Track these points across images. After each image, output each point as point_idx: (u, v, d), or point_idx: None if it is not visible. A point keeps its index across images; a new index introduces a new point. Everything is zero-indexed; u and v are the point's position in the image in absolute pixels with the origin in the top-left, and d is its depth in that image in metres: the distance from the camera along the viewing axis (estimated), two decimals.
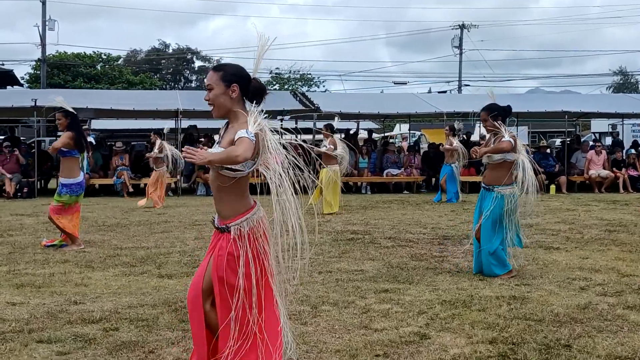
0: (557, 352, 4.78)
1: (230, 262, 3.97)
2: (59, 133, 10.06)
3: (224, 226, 4.03)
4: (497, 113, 7.64)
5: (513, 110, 7.83)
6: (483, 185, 7.73)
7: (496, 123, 7.58)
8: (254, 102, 4.10)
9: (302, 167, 4.11)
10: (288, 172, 4.04)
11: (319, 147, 14.16)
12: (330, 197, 14.01)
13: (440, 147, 18.82)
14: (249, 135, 3.85)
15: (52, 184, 22.84)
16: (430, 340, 5.08)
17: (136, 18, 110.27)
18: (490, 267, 7.42)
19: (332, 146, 14.14)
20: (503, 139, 7.49)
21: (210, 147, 4.23)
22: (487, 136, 8.06)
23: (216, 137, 23.38)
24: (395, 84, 53.21)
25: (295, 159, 4.08)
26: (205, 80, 4.16)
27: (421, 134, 35.06)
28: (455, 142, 17.32)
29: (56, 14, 74.15)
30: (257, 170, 4.15)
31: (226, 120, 4.17)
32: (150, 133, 17.69)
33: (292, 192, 4.05)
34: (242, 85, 4.05)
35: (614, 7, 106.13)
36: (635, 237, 10.45)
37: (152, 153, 16.65)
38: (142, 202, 16.13)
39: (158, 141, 16.52)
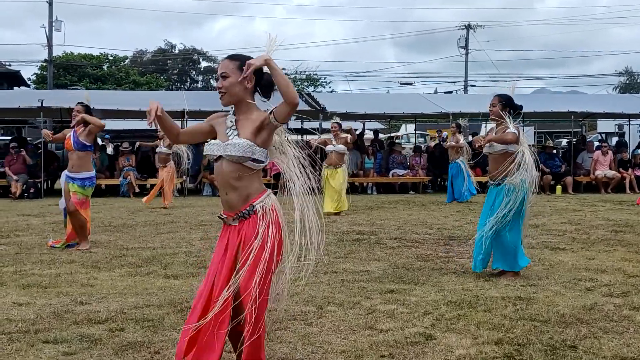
0: (563, 353, 4.77)
1: (264, 241, 4.02)
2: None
3: (248, 208, 4.06)
4: (508, 104, 7.61)
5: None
6: (491, 182, 7.65)
7: (502, 113, 7.57)
8: (264, 96, 4.17)
9: (312, 166, 4.20)
10: (302, 171, 4.15)
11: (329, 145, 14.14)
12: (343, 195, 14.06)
13: (446, 144, 18.80)
14: None
15: (58, 184, 22.88)
16: (436, 341, 5.08)
17: (140, 18, 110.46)
18: (506, 259, 7.41)
19: (342, 145, 14.16)
20: (508, 130, 7.47)
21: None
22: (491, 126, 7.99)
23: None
24: (401, 84, 53.18)
25: (307, 158, 4.17)
26: (219, 68, 4.16)
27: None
28: (462, 140, 17.32)
29: (60, 14, 74.19)
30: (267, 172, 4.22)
31: (223, 113, 4.24)
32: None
33: (307, 190, 4.15)
34: (257, 77, 4.10)
35: (620, 7, 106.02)
36: None
37: (163, 149, 16.54)
38: (166, 201, 16.04)
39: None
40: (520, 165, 7.42)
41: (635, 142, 26.61)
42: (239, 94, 4.08)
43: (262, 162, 4.07)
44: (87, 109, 9.69)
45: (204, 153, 4.19)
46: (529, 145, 7.88)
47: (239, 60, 4.10)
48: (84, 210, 9.55)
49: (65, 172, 9.71)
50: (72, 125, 9.75)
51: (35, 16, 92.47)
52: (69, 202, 9.49)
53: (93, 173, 9.73)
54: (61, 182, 9.87)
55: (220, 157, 4.10)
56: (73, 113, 9.71)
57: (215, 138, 4.19)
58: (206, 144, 4.19)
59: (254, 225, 4.04)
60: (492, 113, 7.67)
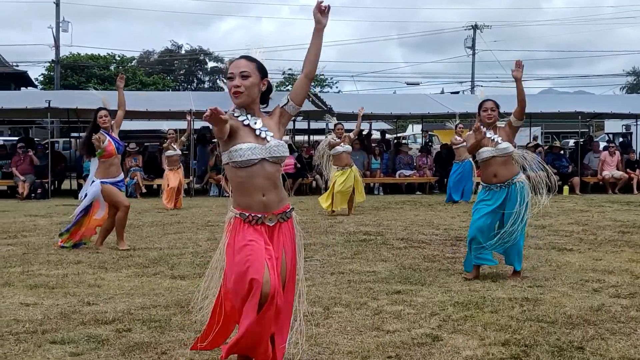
0: (570, 355, 4.76)
1: (293, 243, 4.19)
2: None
3: (288, 210, 4.14)
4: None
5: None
6: (499, 184, 7.41)
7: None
8: (262, 101, 4.23)
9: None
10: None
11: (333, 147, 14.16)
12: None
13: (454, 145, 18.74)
14: None
15: (65, 184, 22.95)
16: (443, 342, 5.07)
17: (147, 19, 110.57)
18: (519, 259, 7.46)
19: (349, 146, 14.18)
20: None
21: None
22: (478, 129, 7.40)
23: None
24: (407, 84, 53.16)
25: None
26: (235, 66, 4.10)
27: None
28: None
29: (67, 15, 74.12)
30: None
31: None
32: (170, 130, 17.54)
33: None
34: (267, 82, 4.17)
35: (628, 7, 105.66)
36: None
37: (178, 151, 16.49)
38: (171, 205, 15.90)
39: (182, 138, 16.66)
40: (524, 164, 7.49)
41: None
42: (254, 95, 4.11)
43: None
44: (111, 114, 9.76)
45: (241, 159, 3.97)
46: (523, 147, 7.93)
47: (256, 62, 4.12)
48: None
49: (106, 180, 9.45)
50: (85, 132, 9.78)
51: (42, 17, 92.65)
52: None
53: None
54: (93, 190, 9.49)
55: (259, 160, 4.02)
56: (100, 119, 9.59)
57: (234, 139, 4.07)
58: (240, 148, 4.00)
59: (291, 230, 4.13)
60: (492, 118, 7.54)
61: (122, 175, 9.73)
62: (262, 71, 4.12)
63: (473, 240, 7.45)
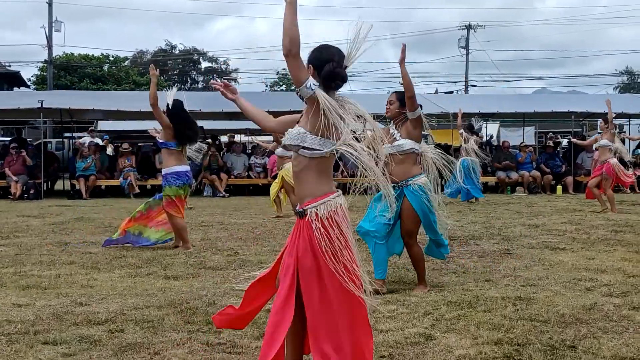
0: (562, 353, 4.77)
1: (307, 244, 3.93)
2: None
3: (302, 209, 3.99)
4: (404, 101, 7.15)
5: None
6: (392, 184, 6.48)
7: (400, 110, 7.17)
8: (332, 87, 4.05)
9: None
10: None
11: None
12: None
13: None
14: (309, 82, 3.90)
15: (58, 185, 22.90)
16: (436, 341, 5.08)
17: (141, 19, 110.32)
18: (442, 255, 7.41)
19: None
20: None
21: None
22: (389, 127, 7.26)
23: (223, 138, 23.16)
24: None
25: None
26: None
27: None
28: (471, 140, 17.19)
29: (60, 15, 73.85)
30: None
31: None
32: None
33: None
34: (317, 68, 4.03)
35: (620, 7, 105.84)
36: None
37: None
38: None
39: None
40: (427, 164, 7.19)
41: (635, 143, 26.60)
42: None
43: (316, 150, 3.91)
44: (172, 108, 9.49)
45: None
46: (434, 145, 7.68)
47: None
48: (174, 211, 9.40)
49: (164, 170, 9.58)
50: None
51: (35, 17, 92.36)
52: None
53: (165, 170, 9.47)
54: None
55: (293, 150, 4.02)
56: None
57: None
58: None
59: (306, 230, 3.95)
60: (389, 111, 7.15)
61: (163, 171, 9.51)
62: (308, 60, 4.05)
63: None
